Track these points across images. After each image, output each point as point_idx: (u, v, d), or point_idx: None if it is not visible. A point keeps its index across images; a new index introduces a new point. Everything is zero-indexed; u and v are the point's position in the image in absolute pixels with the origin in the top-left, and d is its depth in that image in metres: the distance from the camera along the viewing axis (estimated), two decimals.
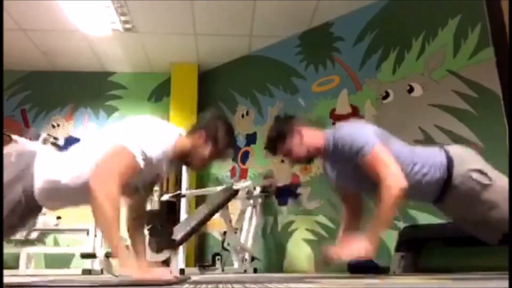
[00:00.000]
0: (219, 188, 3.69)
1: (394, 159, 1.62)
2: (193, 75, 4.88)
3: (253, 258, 3.52)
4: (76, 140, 4.88)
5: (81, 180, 1.45)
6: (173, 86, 4.87)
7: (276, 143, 1.82)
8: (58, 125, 4.93)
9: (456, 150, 1.76)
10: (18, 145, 1.59)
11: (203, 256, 4.30)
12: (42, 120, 4.93)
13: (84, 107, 4.99)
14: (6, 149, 1.54)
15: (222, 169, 4.60)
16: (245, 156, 4.44)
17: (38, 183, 1.47)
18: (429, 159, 1.70)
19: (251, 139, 4.45)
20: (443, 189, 1.69)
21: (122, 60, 4.83)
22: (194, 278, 2.18)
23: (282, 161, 4.09)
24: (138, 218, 1.72)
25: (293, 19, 4.06)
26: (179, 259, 3.36)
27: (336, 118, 3.79)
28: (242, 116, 4.60)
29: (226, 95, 4.79)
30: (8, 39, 4.26)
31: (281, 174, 4.06)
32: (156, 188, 3.70)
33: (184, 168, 4.27)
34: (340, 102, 3.81)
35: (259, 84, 4.52)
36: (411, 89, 3.35)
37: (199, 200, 4.18)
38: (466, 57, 3.08)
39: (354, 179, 1.76)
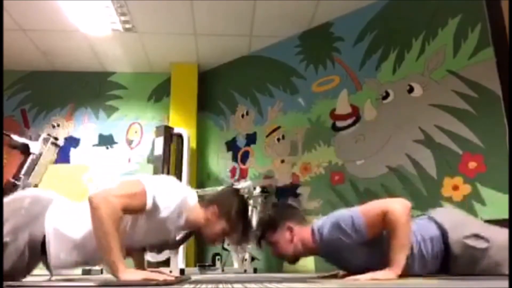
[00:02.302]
0: (219, 188, 3.69)
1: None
2: (193, 75, 4.88)
3: (253, 258, 3.52)
4: (76, 140, 4.89)
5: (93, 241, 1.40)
6: (173, 86, 4.87)
7: (266, 229, 1.83)
8: (58, 125, 4.93)
9: (445, 217, 1.71)
10: (34, 189, 1.56)
11: (203, 256, 4.30)
12: (42, 120, 4.93)
13: (84, 107, 4.99)
14: (22, 192, 1.51)
15: (222, 169, 4.61)
16: (245, 156, 4.44)
17: (49, 234, 1.43)
18: (424, 233, 1.67)
19: (251, 139, 4.45)
20: (443, 261, 1.66)
21: (122, 60, 4.83)
22: (194, 278, 2.18)
23: (282, 161, 4.10)
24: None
25: (293, 19, 4.06)
26: (179, 259, 3.35)
27: (336, 118, 3.79)
28: (242, 116, 4.61)
29: (226, 95, 4.79)
30: (8, 39, 4.26)
31: (281, 174, 4.06)
32: None
33: (183, 168, 4.28)
34: (340, 102, 3.81)
35: (259, 84, 4.52)
36: (411, 89, 3.35)
37: (199, 200, 4.18)
38: (466, 57, 3.09)
39: (361, 257, 1.70)
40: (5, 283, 1.26)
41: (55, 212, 1.48)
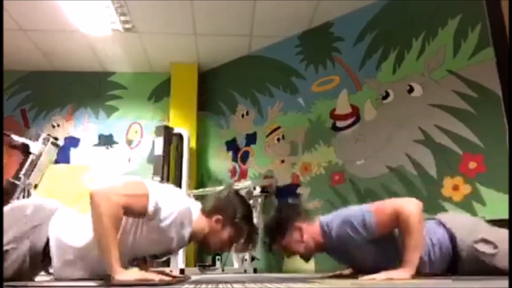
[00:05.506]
0: (218, 188, 3.69)
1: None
2: (193, 75, 4.88)
3: (253, 258, 3.51)
4: (76, 140, 4.89)
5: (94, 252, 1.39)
6: (173, 86, 4.87)
7: (275, 234, 1.83)
8: (58, 125, 4.93)
9: (454, 221, 1.71)
10: (38, 198, 1.55)
11: (203, 256, 4.30)
12: (42, 120, 4.93)
13: (84, 107, 4.99)
14: (25, 200, 1.49)
15: (222, 169, 4.61)
16: (245, 156, 4.44)
17: (52, 245, 1.42)
18: (432, 236, 1.67)
19: (251, 139, 4.45)
20: (451, 265, 1.67)
21: (122, 60, 4.83)
22: (194, 278, 2.18)
23: (282, 161, 4.10)
24: None
25: (293, 19, 4.06)
26: (179, 259, 3.35)
27: (336, 118, 3.79)
28: (242, 116, 4.60)
29: (226, 95, 4.79)
30: (8, 39, 4.26)
31: (281, 174, 4.06)
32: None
33: (183, 168, 4.28)
34: (340, 102, 3.81)
35: (259, 84, 4.52)
36: (411, 89, 3.35)
37: (199, 200, 4.19)
38: (466, 57, 3.09)
39: (368, 254, 1.71)
40: (5, 284, 1.26)
41: (59, 222, 1.47)
